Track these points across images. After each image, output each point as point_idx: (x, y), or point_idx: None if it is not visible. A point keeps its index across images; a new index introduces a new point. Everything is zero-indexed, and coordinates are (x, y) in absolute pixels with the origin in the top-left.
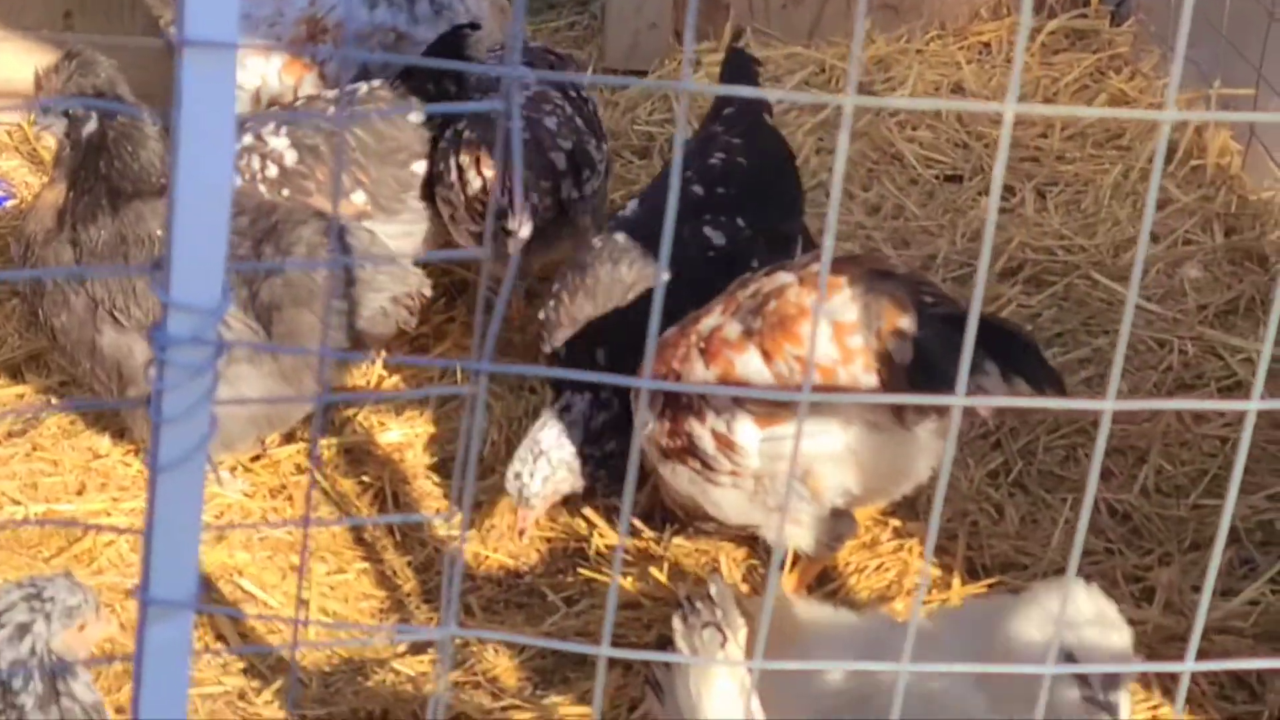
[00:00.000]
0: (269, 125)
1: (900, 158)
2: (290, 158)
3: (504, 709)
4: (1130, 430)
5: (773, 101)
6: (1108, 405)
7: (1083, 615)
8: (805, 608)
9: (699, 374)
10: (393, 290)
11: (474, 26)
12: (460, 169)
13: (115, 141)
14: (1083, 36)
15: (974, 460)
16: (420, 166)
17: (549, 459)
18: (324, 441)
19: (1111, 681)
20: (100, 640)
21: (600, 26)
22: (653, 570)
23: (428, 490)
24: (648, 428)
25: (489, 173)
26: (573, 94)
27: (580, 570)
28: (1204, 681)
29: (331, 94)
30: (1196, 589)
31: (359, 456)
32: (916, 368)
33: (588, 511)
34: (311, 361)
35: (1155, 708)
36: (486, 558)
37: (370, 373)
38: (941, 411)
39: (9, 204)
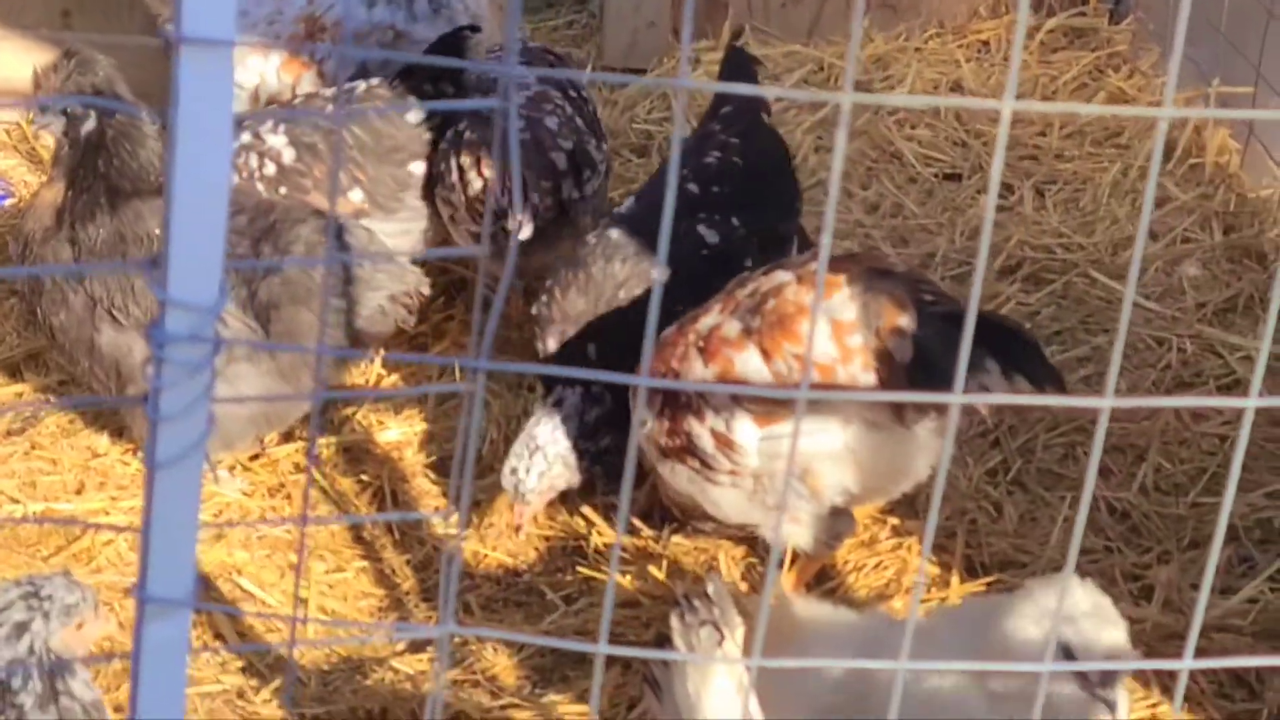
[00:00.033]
0: (267, 123)
1: (899, 156)
2: (288, 156)
3: (503, 707)
4: (1129, 428)
5: (771, 100)
6: (1106, 403)
7: (1079, 609)
8: (804, 606)
9: (698, 373)
10: (391, 289)
11: (474, 29)
12: (461, 169)
13: (114, 140)
14: (1081, 35)
15: (973, 458)
16: (418, 167)
17: (545, 454)
18: (322, 440)
19: (1109, 676)
20: (99, 639)
21: (599, 25)
22: (651, 568)
23: (426, 489)
24: (646, 426)
25: (490, 173)
26: (573, 94)
27: (579, 568)
28: (1203, 679)
29: (330, 92)
30: (1195, 587)
31: (358, 455)
32: (917, 366)
33: (586, 510)
34: (310, 360)
35: (1154, 706)
36: (485, 556)
37: (369, 371)
38: (941, 410)
39: (8, 202)
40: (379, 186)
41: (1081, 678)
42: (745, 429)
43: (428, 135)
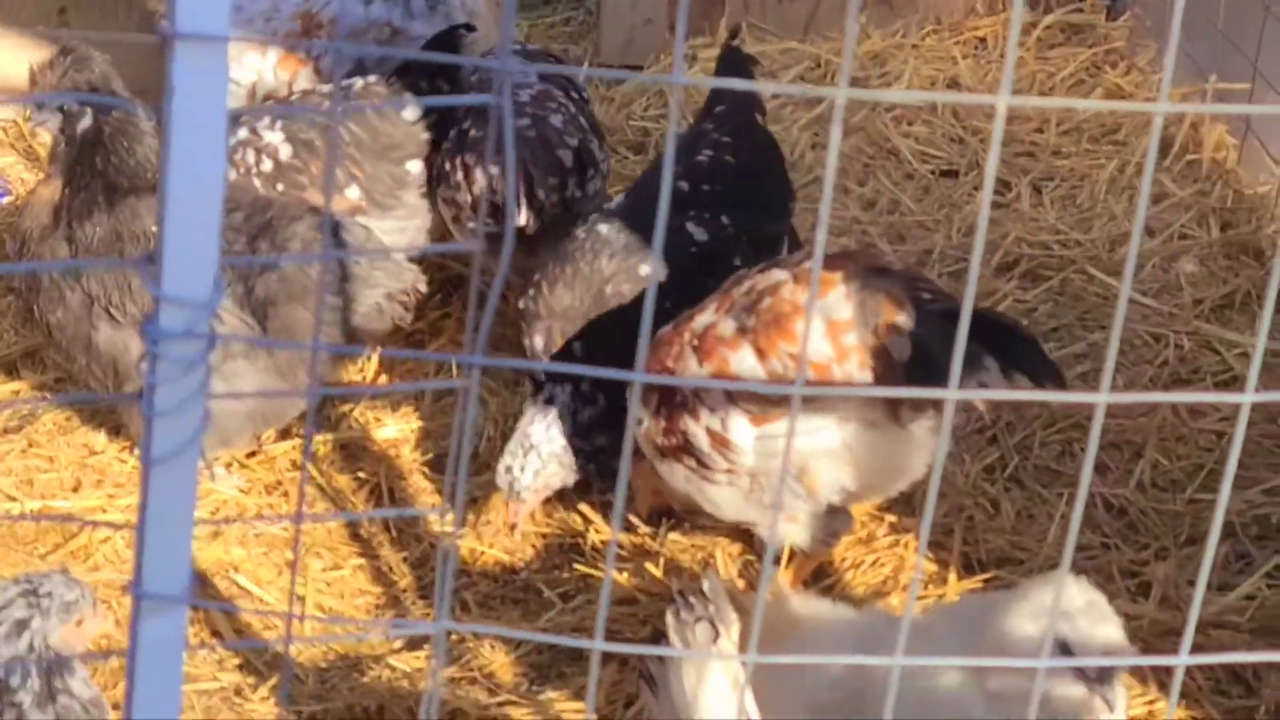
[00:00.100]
0: (264, 120)
1: (896, 153)
2: (285, 152)
3: (500, 704)
4: (1126, 425)
5: (767, 96)
6: (1101, 398)
7: (1075, 606)
8: (803, 603)
9: (693, 371)
10: (388, 286)
11: (469, 27)
12: (466, 168)
13: (110, 137)
14: (1078, 31)
15: (970, 455)
16: (415, 165)
17: (539, 453)
18: (319, 437)
19: (1106, 673)
20: (96, 636)
21: (595, 22)
22: (648, 565)
23: (423, 486)
24: (643, 425)
25: (495, 170)
26: (574, 94)
27: (576, 566)
28: (1200, 676)
29: (326, 89)
30: (1192, 584)
31: (354, 452)
32: (915, 364)
33: (583, 507)
34: (307, 357)
35: (1151, 703)
36: (482, 554)
37: (366, 368)
38: (937, 408)
39: (5, 200)
40: (376, 184)
41: (1079, 674)
42: (741, 428)
43: (424, 134)
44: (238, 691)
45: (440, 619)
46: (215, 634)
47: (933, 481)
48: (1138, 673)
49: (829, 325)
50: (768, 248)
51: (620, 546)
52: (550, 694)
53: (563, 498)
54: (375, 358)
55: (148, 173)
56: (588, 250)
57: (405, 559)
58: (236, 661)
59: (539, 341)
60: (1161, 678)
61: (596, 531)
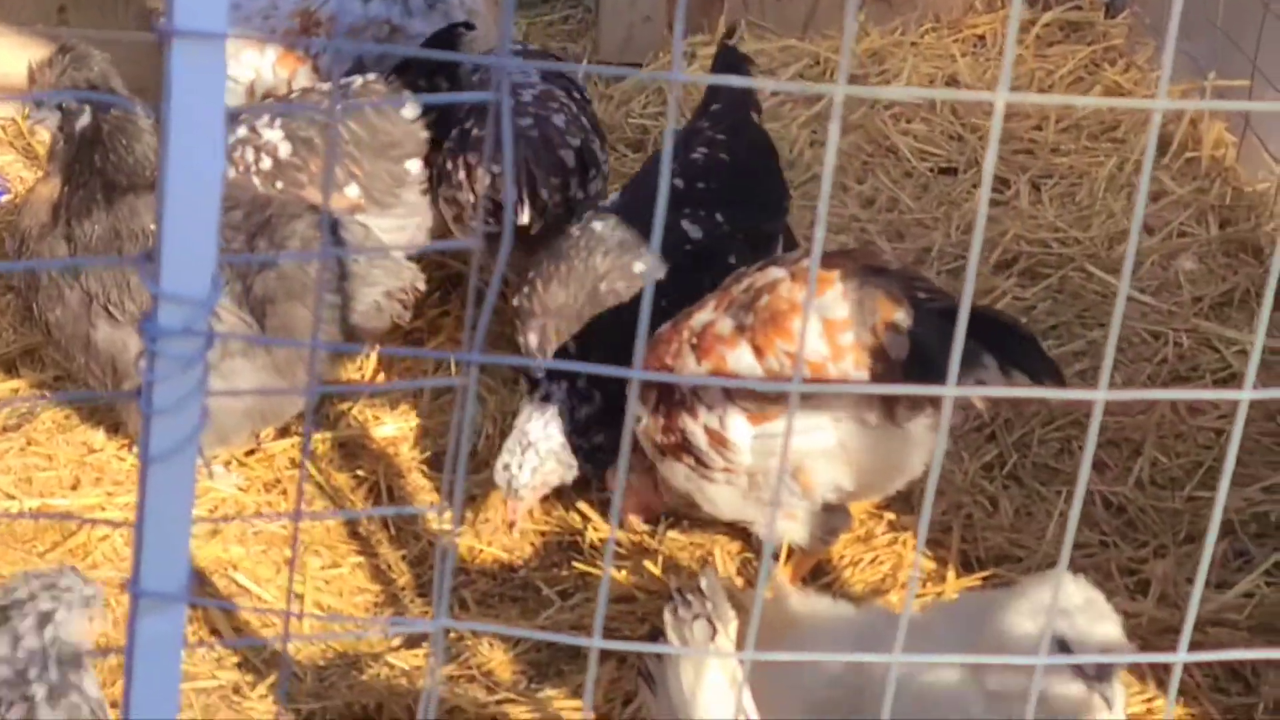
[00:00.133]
0: (263, 118)
1: (895, 150)
2: (284, 150)
3: (498, 702)
4: (1125, 422)
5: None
6: (1100, 395)
7: (1073, 603)
8: (802, 600)
9: (692, 369)
10: (387, 285)
11: (469, 26)
12: (469, 167)
13: (109, 135)
14: (1077, 29)
15: (968, 453)
16: (414, 164)
17: (537, 450)
18: (318, 436)
19: (1105, 670)
20: (96, 635)
21: (594, 20)
22: (647, 563)
23: (421, 484)
24: (642, 423)
25: (496, 169)
26: (576, 95)
27: (574, 564)
28: (1198, 674)
29: (326, 87)
30: (1191, 581)
31: (353, 451)
32: (913, 363)
33: (582, 505)
34: (305, 355)
35: (1150, 700)
36: (480, 552)
37: (365, 367)
38: (936, 407)
39: (4, 199)
40: (375, 182)
41: (1078, 672)
42: (738, 426)
43: (424, 133)
44: (236, 690)
45: (439, 617)
46: (214, 632)
47: (931, 479)
48: (1136, 670)
49: (825, 324)
50: (763, 246)
51: (619, 544)
52: (549, 692)
53: (561, 496)
54: (374, 356)
55: (146, 170)
56: (582, 248)
57: (404, 557)
58: (235, 659)
59: (533, 339)
60: (1160, 675)
61: (595, 529)
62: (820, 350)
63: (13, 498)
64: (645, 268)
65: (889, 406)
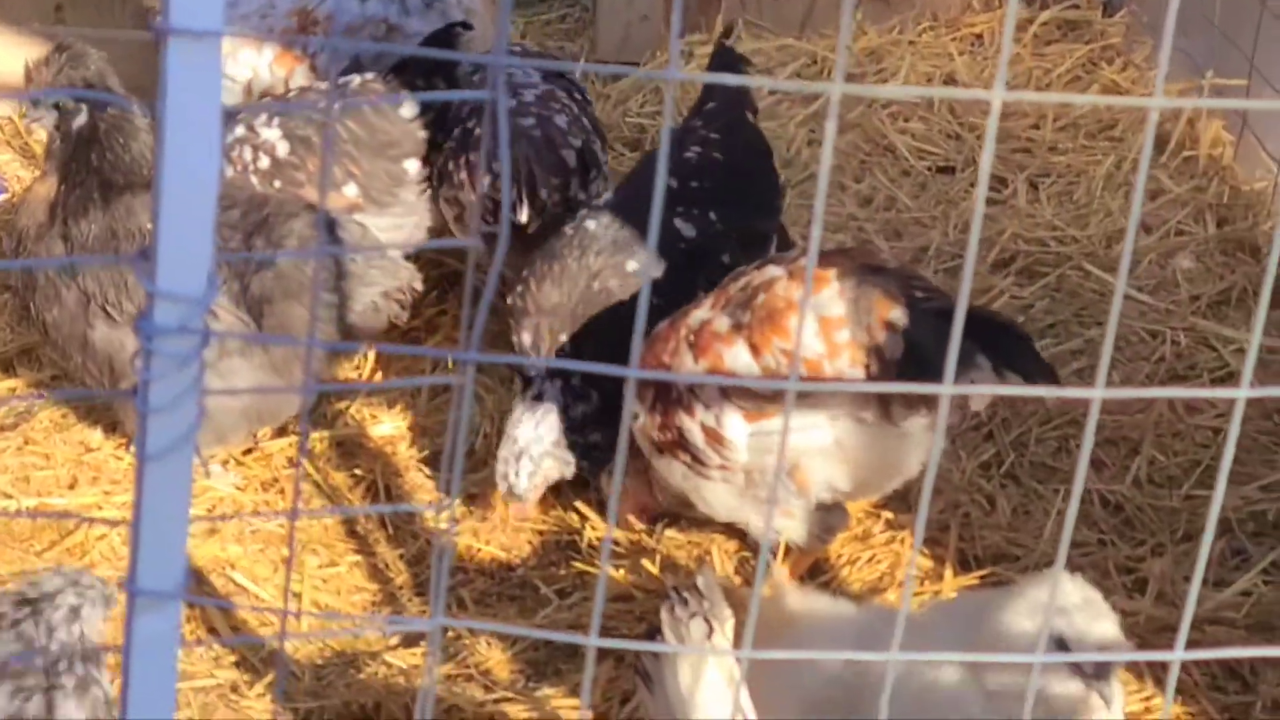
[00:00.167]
0: (261, 117)
1: (893, 149)
2: (282, 149)
3: (496, 701)
4: (1123, 421)
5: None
6: (1096, 393)
7: (1071, 602)
8: (801, 598)
9: (689, 367)
10: (384, 285)
11: (466, 26)
12: (471, 166)
13: (106, 134)
14: (1075, 28)
15: (966, 452)
16: (412, 164)
17: (530, 455)
18: (315, 435)
19: (1103, 668)
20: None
21: (592, 19)
22: (644, 562)
23: (419, 483)
24: (639, 420)
25: (499, 167)
26: (577, 96)
27: (573, 563)
28: (1196, 672)
29: (324, 86)
30: (1189, 580)
31: (351, 450)
32: (908, 362)
33: (580, 504)
34: (302, 355)
35: (1148, 699)
36: (479, 550)
37: (362, 366)
38: (931, 406)
39: (1, 198)
40: (373, 181)
41: (1076, 670)
42: (735, 424)
43: (422, 133)
44: (234, 688)
45: (435, 615)
46: (212, 631)
47: (928, 478)
48: (1134, 669)
49: (821, 322)
50: (757, 245)
51: (616, 543)
52: (547, 691)
53: (559, 495)
54: (372, 355)
55: (143, 169)
56: (575, 246)
57: (402, 556)
58: (233, 659)
59: (527, 338)
60: (1158, 674)
61: (593, 529)
62: (816, 348)
63: (10, 497)
64: (639, 266)
65: (885, 405)
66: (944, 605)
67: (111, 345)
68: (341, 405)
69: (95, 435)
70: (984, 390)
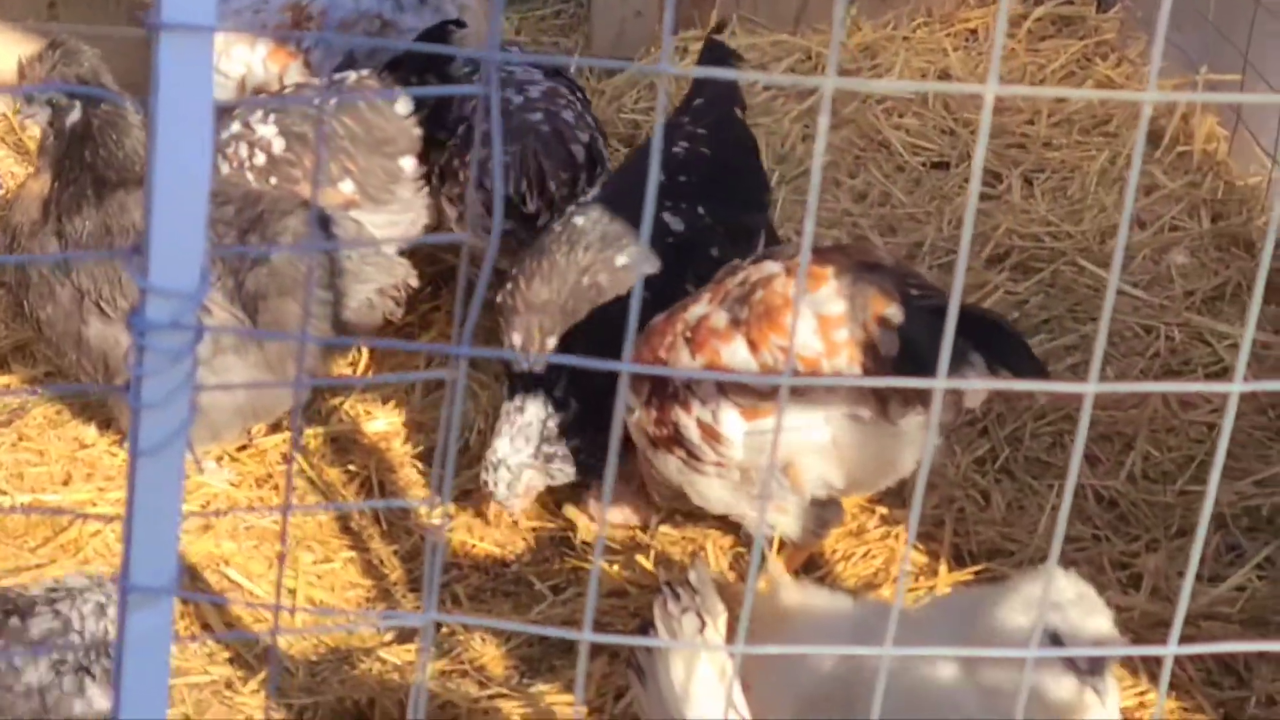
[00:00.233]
0: (257, 113)
1: (887, 145)
2: (278, 145)
3: (490, 697)
4: (1117, 416)
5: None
6: (1089, 388)
7: (1065, 598)
8: (797, 593)
9: (685, 363)
10: (379, 281)
11: (459, 24)
12: (479, 164)
13: (99, 130)
14: (1069, 23)
15: (961, 447)
16: (408, 162)
17: (507, 466)
18: (309, 431)
19: (1097, 664)
20: None
21: (586, 15)
22: (639, 558)
23: (413, 479)
24: (634, 415)
25: (506, 158)
26: (579, 93)
27: (567, 559)
28: (1191, 667)
29: (320, 82)
30: (1183, 575)
31: (345, 445)
32: (903, 360)
33: (569, 507)
34: (297, 351)
35: (1142, 694)
36: (473, 546)
37: (357, 362)
38: (927, 404)
39: None
40: (369, 178)
41: (1070, 666)
42: (731, 421)
43: (417, 130)
44: (228, 685)
45: (428, 611)
46: (206, 627)
47: (922, 473)
48: (1129, 664)
49: (820, 320)
50: (745, 239)
51: (611, 539)
52: (541, 687)
53: (554, 493)
54: (366, 352)
55: (136, 166)
56: (564, 242)
57: (396, 552)
58: (227, 655)
59: (517, 339)
60: (1152, 669)
61: (587, 525)
62: (815, 346)
63: (4, 493)
64: (628, 260)
65: (882, 403)
66: (939, 601)
67: (106, 342)
68: (336, 401)
69: (90, 431)
70: (978, 385)
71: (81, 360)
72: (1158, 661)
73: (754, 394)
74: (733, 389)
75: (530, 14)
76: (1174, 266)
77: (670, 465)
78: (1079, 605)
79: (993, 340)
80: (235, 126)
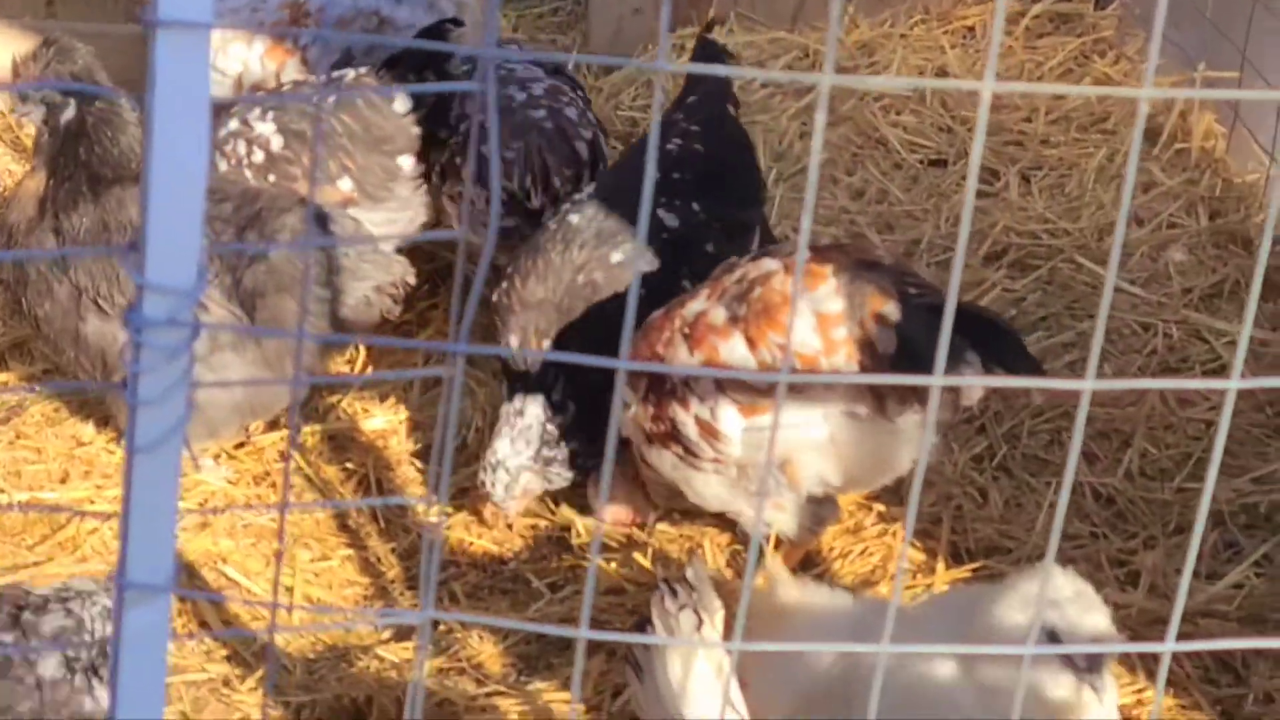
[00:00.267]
0: (255, 111)
1: (884, 142)
2: (276, 143)
3: (488, 695)
4: (1115, 414)
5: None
6: (1087, 385)
7: (1063, 595)
8: (796, 590)
9: (683, 359)
10: (377, 279)
11: (457, 22)
12: (482, 161)
13: (94, 127)
14: (1067, 20)
15: (958, 444)
16: (407, 160)
17: (506, 469)
18: (307, 428)
19: (1095, 661)
20: None
21: (584, 12)
22: (636, 555)
23: (411, 477)
24: (631, 410)
25: (509, 155)
26: (579, 92)
27: (564, 557)
28: (1189, 664)
29: (318, 80)
30: (1181, 572)
31: (342, 443)
32: (900, 357)
33: (566, 508)
34: (294, 348)
35: (1140, 691)
36: (470, 544)
37: (354, 360)
38: (924, 401)
39: None
40: (368, 175)
41: (1068, 663)
42: (729, 418)
43: (415, 128)
44: (225, 682)
45: (425, 609)
46: (203, 625)
47: (920, 470)
48: (1127, 661)
49: (819, 319)
50: (739, 235)
51: (608, 537)
52: (538, 684)
53: (553, 491)
54: (364, 349)
55: (132, 162)
56: (559, 240)
57: (393, 550)
58: (224, 652)
59: (514, 340)
60: (1150, 666)
61: (585, 523)
62: (813, 344)
63: (2, 491)
64: (624, 258)
65: (880, 401)
66: (937, 598)
67: (104, 339)
68: (333, 399)
69: (87, 429)
70: (974, 382)
71: (79, 357)
72: (1155, 659)
73: (752, 391)
74: (731, 386)
75: (527, 11)
76: (1172, 264)
77: (665, 461)
78: (1077, 602)
79: (989, 338)
80: (233, 124)
